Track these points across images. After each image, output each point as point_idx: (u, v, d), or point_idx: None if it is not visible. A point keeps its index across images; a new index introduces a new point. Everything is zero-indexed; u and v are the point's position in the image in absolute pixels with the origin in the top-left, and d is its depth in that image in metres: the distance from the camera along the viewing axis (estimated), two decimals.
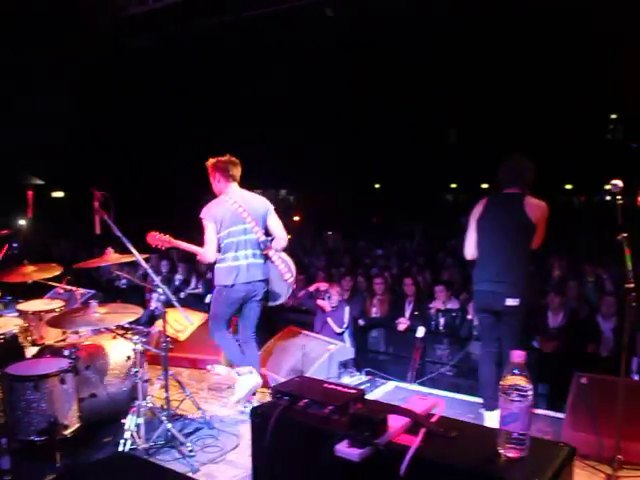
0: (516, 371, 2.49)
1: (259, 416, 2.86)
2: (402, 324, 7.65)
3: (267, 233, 5.09)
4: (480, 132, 30.65)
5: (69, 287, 5.73)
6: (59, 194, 21.75)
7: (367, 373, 6.12)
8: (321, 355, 5.70)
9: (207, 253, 4.99)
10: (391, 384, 5.90)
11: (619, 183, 3.96)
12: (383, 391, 5.67)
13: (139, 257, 4.59)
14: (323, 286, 7.35)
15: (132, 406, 4.49)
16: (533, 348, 7.07)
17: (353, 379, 5.80)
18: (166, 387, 4.62)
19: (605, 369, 5.16)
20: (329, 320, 7.15)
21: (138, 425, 4.40)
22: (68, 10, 10.55)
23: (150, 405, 4.59)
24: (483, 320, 4.94)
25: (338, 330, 7.03)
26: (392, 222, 16.74)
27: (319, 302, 7.29)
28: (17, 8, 9.62)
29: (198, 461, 4.34)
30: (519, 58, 18.27)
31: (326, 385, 2.99)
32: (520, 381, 2.46)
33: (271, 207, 5.14)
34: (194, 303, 8.55)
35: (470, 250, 4.91)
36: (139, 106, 17.90)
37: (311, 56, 16.87)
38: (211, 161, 5.13)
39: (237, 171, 5.12)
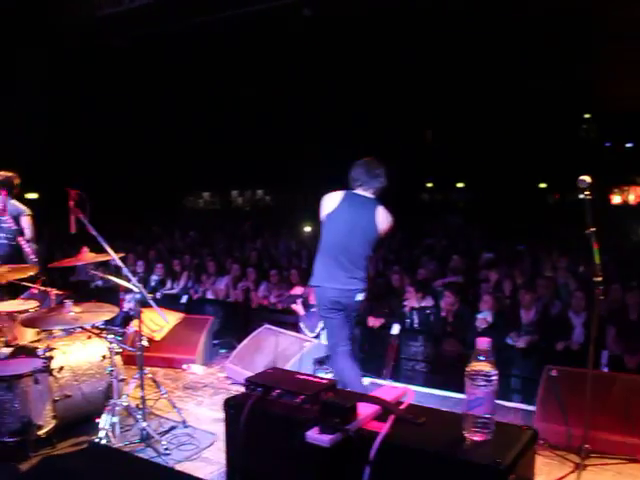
0: (481, 357, 2.57)
1: (233, 407, 2.92)
2: (371, 321, 7.74)
3: None
4: (456, 132, 30.96)
5: (43, 288, 5.68)
6: (33, 195, 21.54)
7: None
8: (296, 352, 5.75)
9: None
10: (366, 380, 5.96)
11: (587, 179, 4.04)
12: None
13: (115, 256, 4.60)
14: (299, 290, 7.34)
15: (107, 405, 4.51)
16: (507, 344, 7.19)
17: (328, 376, 5.85)
18: (141, 386, 4.63)
19: (576, 362, 5.24)
20: (301, 324, 7.16)
21: (113, 424, 4.41)
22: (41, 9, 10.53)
23: (125, 404, 4.61)
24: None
25: (310, 334, 7.03)
26: None
27: (293, 306, 7.29)
28: None
29: (173, 459, 4.37)
30: (495, 58, 18.42)
31: (298, 376, 3.06)
32: (485, 367, 2.54)
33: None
34: (170, 303, 8.55)
35: None
36: (114, 105, 17.83)
37: (287, 56, 16.91)
38: None
39: None
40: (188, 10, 11.43)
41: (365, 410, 2.75)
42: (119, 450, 2.84)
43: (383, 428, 2.60)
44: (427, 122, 31.85)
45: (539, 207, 30.18)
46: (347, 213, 4.69)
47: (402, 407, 2.86)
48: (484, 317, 7.39)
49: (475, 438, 2.57)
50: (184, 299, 9.27)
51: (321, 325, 7.20)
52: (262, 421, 2.81)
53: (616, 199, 37.43)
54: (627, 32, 15.93)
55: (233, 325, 8.12)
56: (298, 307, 7.18)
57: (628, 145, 36.24)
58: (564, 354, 6.87)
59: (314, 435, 2.61)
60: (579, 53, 18.26)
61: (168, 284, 10.01)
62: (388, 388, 3.04)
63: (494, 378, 2.55)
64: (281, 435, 2.81)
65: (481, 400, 2.54)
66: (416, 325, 7.77)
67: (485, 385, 2.54)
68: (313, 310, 7.07)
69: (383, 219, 4.72)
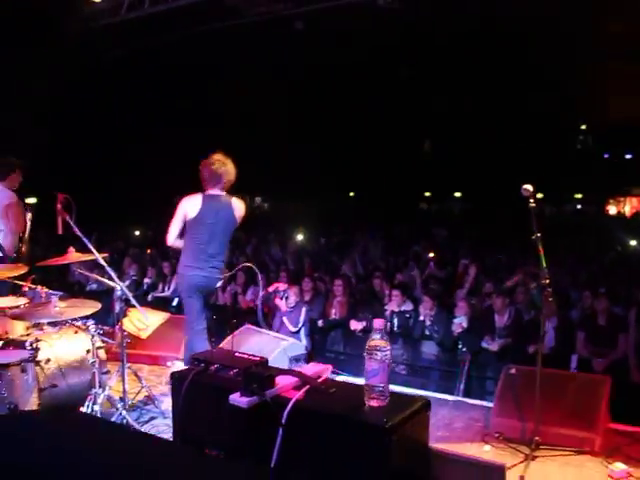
0: (377, 335, 2.95)
1: (177, 380, 3.30)
2: (353, 325, 8.04)
3: None
4: (454, 143, 31.32)
5: (33, 286, 5.94)
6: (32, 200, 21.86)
7: None
8: (273, 350, 6.01)
9: None
10: (342, 378, 6.22)
11: (530, 187, 4.35)
12: None
13: (98, 256, 4.88)
14: (282, 286, 7.65)
15: (89, 394, 4.80)
16: (481, 347, 7.47)
17: None
18: (123, 379, 4.92)
19: (547, 365, 5.48)
20: (284, 319, 7.48)
21: (94, 412, 4.70)
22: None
23: (107, 394, 4.90)
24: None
25: (292, 329, 7.36)
26: (359, 229, 17.25)
27: (277, 302, 7.61)
28: None
29: None
30: (493, 73, 18.80)
31: (237, 354, 3.43)
32: (380, 343, 2.93)
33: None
34: (162, 306, 8.81)
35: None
36: (104, 111, 18.18)
37: (284, 69, 17.29)
38: None
39: None
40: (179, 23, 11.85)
41: (285, 381, 3.15)
42: (97, 417, 3.15)
43: (296, 395, 2.97)
44: (426, 133, 32.26)
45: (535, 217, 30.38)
46: (209, 216, 5.30)
47: (320, 380, 3.23)
48: (460, 322, 7.67)
49: (372, 404, 2.95)
50: (175, 302, 9.55)
51: (302, 319, 7.55)
52: (200, 391, 3.21)
53: (612, 210, 37.75)
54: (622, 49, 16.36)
55: (220, 326, 8.39)
56: (281, 302, 7.51)
57: (627, 156, 36.55)
58: (535, 357, 7.14)
59: (235, 398, 2.98)
60: (573, 68, 18.64)
61: (160, 287, 10.29)
62: (312, 365, 3.41)
63: (387, 352, 2.91)
64: (213, 402, 3.17)
65: (376, 371, 2.91)
66: (396, 328, 8.06)
67: (380, 358, 2.90)
68: (294, 306, 7.40)
69: (239, 209, 5.45)
